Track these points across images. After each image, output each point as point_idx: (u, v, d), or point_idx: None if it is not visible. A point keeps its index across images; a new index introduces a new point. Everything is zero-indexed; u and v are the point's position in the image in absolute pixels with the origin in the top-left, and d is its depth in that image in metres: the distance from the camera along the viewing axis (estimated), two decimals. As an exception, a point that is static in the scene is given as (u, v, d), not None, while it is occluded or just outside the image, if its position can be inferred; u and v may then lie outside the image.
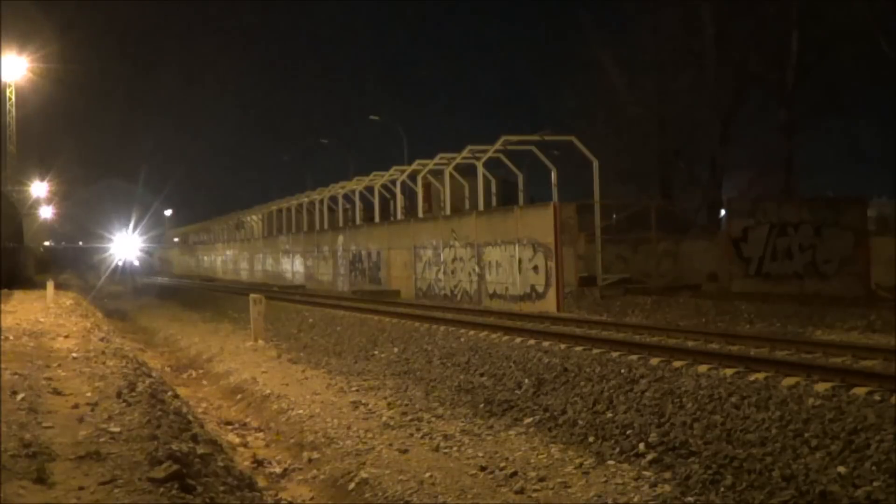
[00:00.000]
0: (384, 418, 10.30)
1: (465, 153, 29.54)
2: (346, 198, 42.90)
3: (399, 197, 36.92)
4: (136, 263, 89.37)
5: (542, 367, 11.67)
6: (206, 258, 75.00)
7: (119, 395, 8.64)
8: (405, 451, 8.78)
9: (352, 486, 8.04)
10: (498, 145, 28.02)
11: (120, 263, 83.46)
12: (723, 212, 34.35)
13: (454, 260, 27.21)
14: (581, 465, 7.93)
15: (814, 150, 48.81)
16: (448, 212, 31.45)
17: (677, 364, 10.96)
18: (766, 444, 7.53)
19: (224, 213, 72.47)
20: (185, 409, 10.06)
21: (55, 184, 65.66)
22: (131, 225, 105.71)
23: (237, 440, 10.46)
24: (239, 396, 13.30)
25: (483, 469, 8.03)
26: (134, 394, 8.82)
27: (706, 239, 29.67)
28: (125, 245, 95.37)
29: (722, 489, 6.85)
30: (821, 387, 8.99)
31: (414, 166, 34.21)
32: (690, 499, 6.81)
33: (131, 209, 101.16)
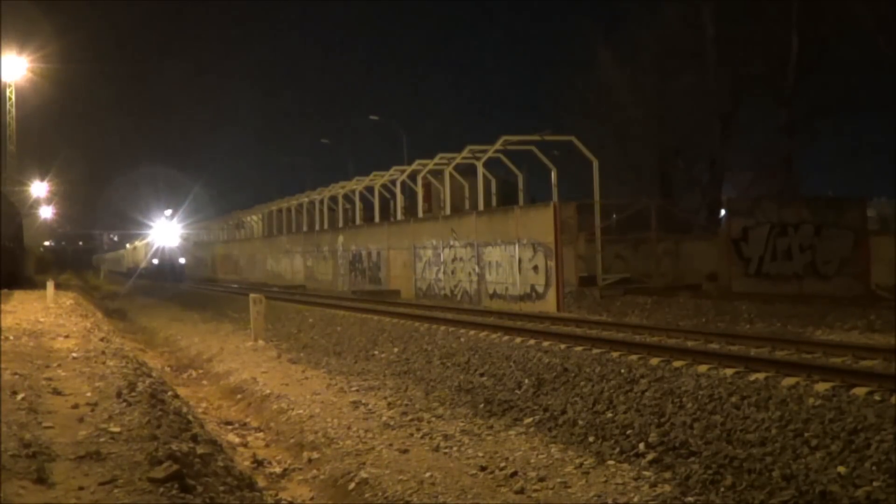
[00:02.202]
0: (384, 418, 10.29)
1: (465, 153, 29.55)
2: (346, 198, 42.89)
3: (399, 197, 36.91)
4: (183, 261, 65.37)
5: (542, 367, 11.66)
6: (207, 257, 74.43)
7: (119, 395, 8.64)
8: (405, 451, 8.77)
9: (352, 486, 8.03)
10: (498, 145, 28.02)
11: (155, 261, 64.76)
12: (723, 212, 34.34)
13: (454, 260, 27.21)
14: (581, 465, 7.93)
15: (814, 150, 48.86)
16: (448, 212, 31.45)
17: (677, 364, 10.96)
18: (766, 444, 7.53)
19: (224, 214, 72.09)
20: (185, 409, 10.06)
21: (55, 183, 65.72)
22: (169, 213, 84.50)
23: (237, 440, 10.46)
24: (239, 396, 13.30)
25: (483, 469, 8.03)
26: (134, 394, 8.82)
27: (706, 239, 29.64)
28: (167, 235, 69.00)
29: (722, 489, 6.85)
30: (821, 387, 8.98)
31: (414, 166, 34.22)
32: (690, 499, 6.81)
33: (149, 203, 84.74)
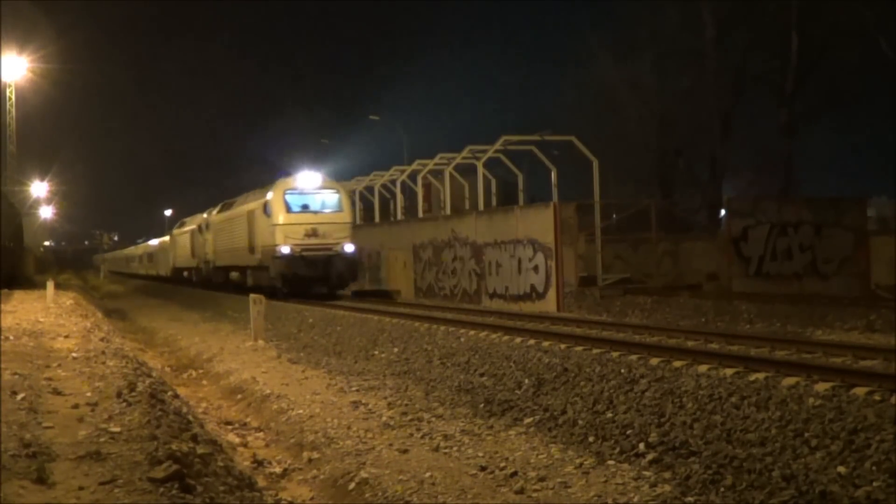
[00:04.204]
0: (384, 418, 10.30)
1: (465, 153, 29.56)
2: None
3: (399, 197, 36.90)
4: (351, 250, 26.62)
5: (542, 367, 11.66)
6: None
7: (119, 395, 8.64)
8: (405, 451, 8.78)
9: (352, 486, 8.03)
10: (498, 145, 28.04)
11: (285, 250, 25.90)
12: (723, 212, 34.40)
13: (454, 260, 27.20)
14: (581, 465, 7.93)
15: (814, 150, 48.94)
16: (448, 212, 31.46)
17: (677, 364, 10.95)
18: (766, 444, 7.52)
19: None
20: (185, 409, 10.06)
21: (55, 183, 65.82)
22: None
23: (237, 440, 10.46)
24: (239, 396, 13.30)
25: (483, 469, 8.03)
26: (134, 394, 8.81)
27: (706, 239, 29.70)
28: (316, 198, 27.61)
29: (722, 489, 6.85)
30: (821, 387, 8.97)
31: (414, 166, 34.23)
32: (690, 499, 6.81)
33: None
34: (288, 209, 26.77)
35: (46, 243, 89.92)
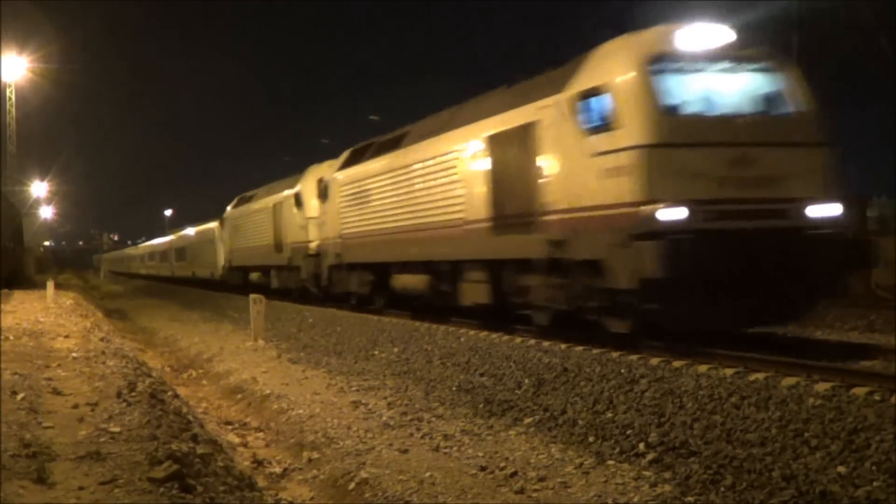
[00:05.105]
0: (384, 418, 10.30)
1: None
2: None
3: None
4: (833, 213, 10.82)
5: (542, 367, 11.66)
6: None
7: (119, 395, 8.65)
8: (405, 451, 8.77)
9: (352, 486, 8.03)
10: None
11: (677, 215, 10.33)
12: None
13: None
14: (581, 465, 7.93)
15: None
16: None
17: (677, 364, 10.95)
18: (766, 444, 7.52)
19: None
20: (185, 409, 10.07)
21: (55, 183, 65.96)
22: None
23: (237, 440, 10.47)
24: (239, 396, 13.31)
25: (483, 469, 8.03)
26: (134, 394, 8.82)
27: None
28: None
29: (722, 489, 6.85)
30: (821, 387, 8.97)
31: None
32: (690, 499, 6.81)
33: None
34: (670, 108, 11.51)
35: (46, 243, 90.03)
